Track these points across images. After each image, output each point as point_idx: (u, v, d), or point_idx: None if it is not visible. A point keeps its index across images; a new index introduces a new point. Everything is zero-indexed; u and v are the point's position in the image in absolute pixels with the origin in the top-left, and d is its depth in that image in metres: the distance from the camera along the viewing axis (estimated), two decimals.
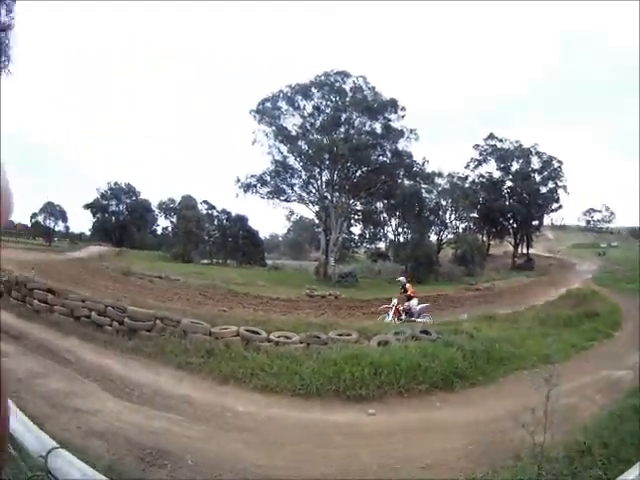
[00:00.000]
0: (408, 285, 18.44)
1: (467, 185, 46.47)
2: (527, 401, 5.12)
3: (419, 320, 15.78)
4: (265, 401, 8.45)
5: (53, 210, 67.90)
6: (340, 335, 10.96)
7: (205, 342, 10.49)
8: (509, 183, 47.84)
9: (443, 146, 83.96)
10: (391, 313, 16.93)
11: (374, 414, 7.88)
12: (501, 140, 47.67)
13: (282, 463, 5.89)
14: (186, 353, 10.20)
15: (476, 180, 47.38)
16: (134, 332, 11.25)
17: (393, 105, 41.73)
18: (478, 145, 47.89)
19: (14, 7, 10.16)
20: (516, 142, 47.32)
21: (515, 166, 47.44)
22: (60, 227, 70.55)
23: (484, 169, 47.81)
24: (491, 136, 47.72)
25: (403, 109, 41.90)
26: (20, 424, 1.16)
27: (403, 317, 16.65)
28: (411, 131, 41.80)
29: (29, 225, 66.86)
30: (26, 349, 10.16)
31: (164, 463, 5.50)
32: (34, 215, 68.73)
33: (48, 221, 68.67)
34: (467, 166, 47.49)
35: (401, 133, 41.74)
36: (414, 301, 17.34)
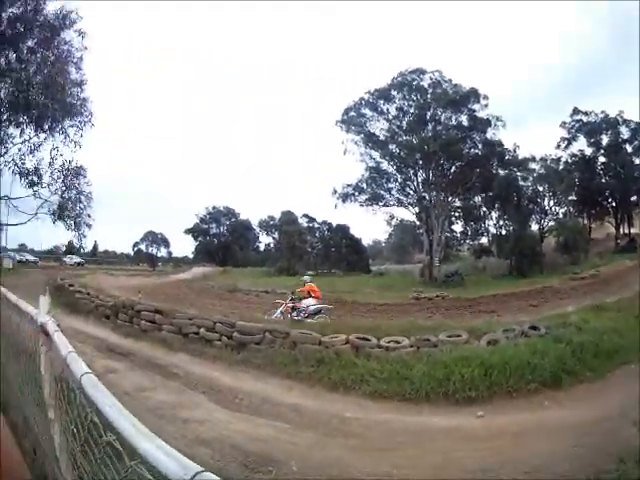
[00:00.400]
0: (309, 284, 17.88)
1: (561, 167, 43.80)
2: (635, 397, 4.61)
3: (313, 320, 15.38)
4: (373, 407, 8.33)
5: (154, 237, 72.90)
6: (450, 337, 10.57)
7: (315, 352, 10.49)
8: (602, 159, 44.58)
9: (529, 129, 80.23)
10: (280, 309, 16.85)
11: (482, 416, 7.55)
12: (586, 113, 44.54)
13: (387, 469, 5.74)
14: (296, 363, 10.27)
15: (569, 160, 44.55)
16: (243, 346, 11.50)
17: (475, 95, 40.73)
18: (565, 123, 45.19)
19: (82, 64, 10.96)
20: (602, 113, 43.99)
21: (605, 139, 44.02)
22: (163, 253, 75.76)
23: (575, 147, 45.04)
24: (575, 111, 44.78)
25: (485, 97, 40.87)
26: (157, 449, 1.14)
27: (294, 314, 16.56)
28: (497, 118, 40.58)
29: (132, 253, 72.42)
30: (134, 365, 10.78)
31: (268, 469, 5.56)
32: (136, 244, 74.42)
33: (150, 248, 73.92)
34: (558, 146, 44.92)
35: (488, 122, 40.63)
36: (309, 300, 16.96)
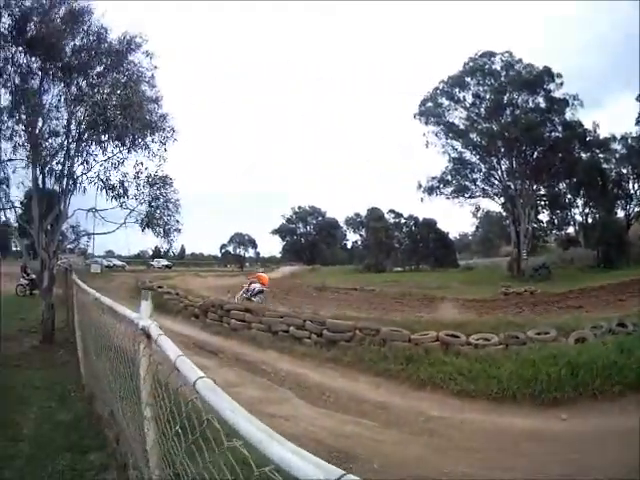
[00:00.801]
0: (260, 274, 21.90)
1: None
2: None
3: (255, 299, 18.46)
4: (460, 406, 8.33)
5: (241, 239, 75.42)
6: (538, 334, 10.37)
7: (404, 349, 10.57)
8: None
9: (605, 106, 74.37)
10: (242, 291, 19.55)
11: (565, 419, 7.35)
12: None
13: (467, 469, 5.77)
14: (385, 360, 10.38)
15: None
16: (333, 343, 11.74)
17: (549, 74, 38.70)
18: None
19: (156, 82, 11.64)
20: None
21: None
22: (250, 253, 78.16)
23: None
24: None
25: (559, 76, 38.75)
26: (292, 453, 1.08)
27: (245, 294, 19.21)
28: (574, 97, 38.46)
29: (219, 255, 75.10)
30: (222, 362, 11.25)
31: (349, 466, 5.59)
32: (223, 246, 77.23)
33: (238, 249, 76.47)
34: (637, 122, 40.56)
35: (565, 102, 38.53)
36: (256, 285, 19.55)
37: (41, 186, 12.13)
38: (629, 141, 40.42)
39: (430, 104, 42.54)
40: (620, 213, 41.10)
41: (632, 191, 40.43)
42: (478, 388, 8.64)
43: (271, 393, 8.97)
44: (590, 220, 42.47)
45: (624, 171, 40.38)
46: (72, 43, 11.77)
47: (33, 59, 11.62)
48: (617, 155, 40.10)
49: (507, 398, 8.21)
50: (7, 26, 11.28)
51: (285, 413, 7.64)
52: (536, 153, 39.41)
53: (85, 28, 11.83)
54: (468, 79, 41.15)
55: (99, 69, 12.15)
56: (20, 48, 11.46)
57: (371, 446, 6.40)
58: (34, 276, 15.68)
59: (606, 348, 8.91)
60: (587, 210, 42.98)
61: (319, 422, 7.40)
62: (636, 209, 40.46)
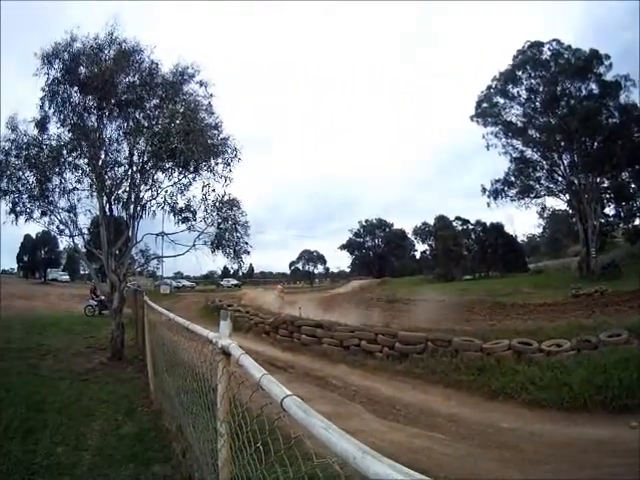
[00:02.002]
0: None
1: None
2: None
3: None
4: (530, 416, 8.26)
5: (310, 255, 76.30)
6: (610, 336, 10.15)
7: (476, 359, 10.64)
8: None
9: None
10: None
11: (636, 427, 7.12)
12: None
13: None
14: (457, 371, 10.46)
15: None
16: (405, 356, 11.88)
17: (597, 56, 37.03)
18: None
19: (213, 109, 12.19)
20: None
21: None
22: (320, 269, 78.82)
23: None
24: None
25: (607, 57, 37.07)
26: (392, 470, 1.07)
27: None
28: (626, 78, 36.46)
29: (289, 272, 76.06)
30: (291, 377, 11.41)
31: None
32: (292, 263, 78.27)
33: (307, 265, 77.31)
34: None
35: (618, 84, 36.60)
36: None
37: (108, 213, 12.92)
38: None
39: (486, 104, 41.69)
40: None
41: None
42: (549, 397, 8.58)
43: (341, 408, 9.01)
44: None
45: None
46: (125, 80, 12.56)
47: (89, 97, 12.48)
48: None
49: (578, 406, 8.11)
50: (59, 69, 12.21)
51: (354, 428, 7.45)
52: (596, 143, 37.69)
53: (137, 66, 12.60)
54: (520, 73, 40.03)
55: (155, 102, 12.88)
56: (75, 89, 12.36)
57: (440, 460, 6.41)
58: (103, 297, 16.70)
59: None
60: None
61: (388, 436, 7.40)
62: None
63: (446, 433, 7.72)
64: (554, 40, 39.02)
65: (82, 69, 12.17)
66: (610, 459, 6.27)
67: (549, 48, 39.07)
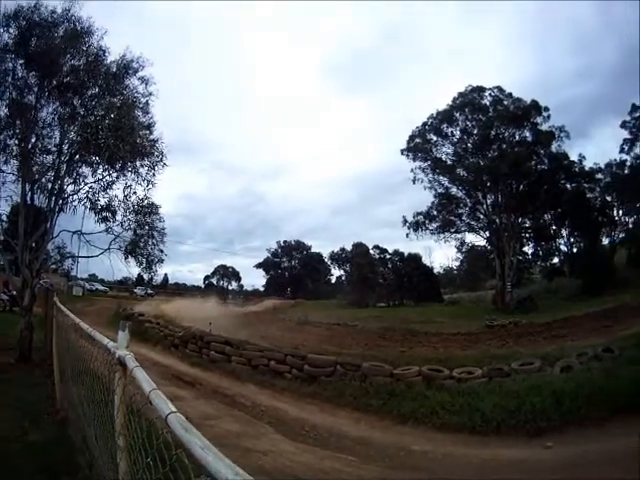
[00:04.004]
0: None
1: (626, 171, 40.64)
2: None
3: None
4: (442, 439, 8.17)
5: (225, 271, 75.56)
6: (522, 365, 10.38)
7: (386, 384, 10.58)
8: None
9: (591, 136, 76.16)
10: None
11: (551, 447, 7.16)
12: None
13: None
14: (366, 395, 10.36)
15: (634, 164, 40.79)
16: (314, 378, 11.71)
17: (536, 108, 39.21)
18: (625, 122, 41.42)
19: (149, 109, 11.67)
20: None
21: None
22: (234, 286, 78.18)
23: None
24: (635, 108, 40.66)
25: (546, 109, 39.32)
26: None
27: None
28: (560, 130, 38.82)
29: (202, 286, 74.93)
30: (199, 394, 11.04)
31: None
32: (207, 277, 77.20)
33: (221, 281, 76.49)
34: (622, 150, 41.38)
35: (552, 135, 38.89)
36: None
37: (29, 202, 11.99)
38: (614, 168, 41.12)
39: (418, 139, 42.77)
40: (605, 240, 41.62)
41: (616, 217, 41.06)
42: (461, 421, 8.55)
43: (249, 427, 8.82)
44: (575, 249, 42.80)
45: (608, 198, 40.87)
46: (71, 62, 11.81)
47: (32, 74, 11.63)
48: (601, 184, 40.55)
49: (491, 430, 8.09)
50: (13, 36, 11.33)
51: (263, 448, 7.46)
52: (521, 186, 39.69)
53: (85, 48, 11.88)
54: (457, 114, 41.60)
55: (94, 91, 12.16)
56: (21, 61, 11.49)
57: None
58: (15, 293, 15.37)
59: (592, 374, 8.92)
60: (572, 240, 43.35)
61: (297, 457, 7.24)
62: (621, 235, 41.11)
63: (356, 455, 7.51)
64: (496, 87, 41.02)
65: (33, 41, 11.33)
66: (523, 477, 6.33)
67: (490, 94, 40.96)
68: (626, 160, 41.27)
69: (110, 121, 11.35)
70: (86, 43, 11.92)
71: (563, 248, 44.59)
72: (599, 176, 40.82)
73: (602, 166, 41.02)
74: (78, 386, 4.80)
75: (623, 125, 41.47)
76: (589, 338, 16.04)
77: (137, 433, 2.36)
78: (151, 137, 12.76)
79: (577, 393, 8.15)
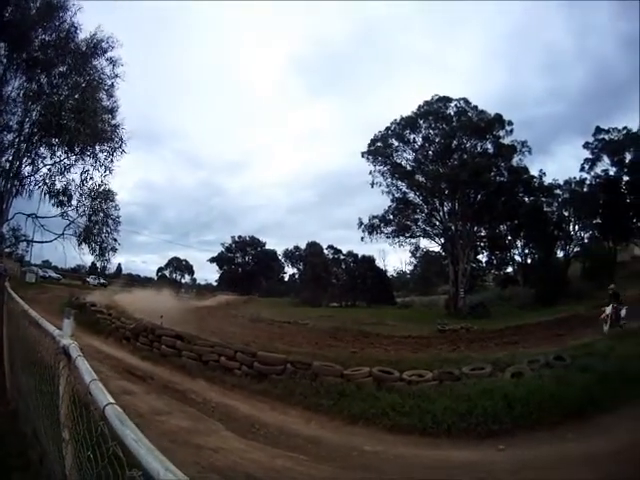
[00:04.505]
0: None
1: (585, 189, 42.02)
2: None
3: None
4: (393, 440, 8.18)
5: (179, 264, 74.53)
6: (473, 370, 10.50)
7: (337, 384, 10.54)
8: (626, 177, 41.35)
9: (553, 153, 79.02)
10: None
11: (503, 449, 7.26)
12: (608, 131, 42.18)
13: None
14: (317, 395, 10.29)
15: (593, 182, 42.30)
16: (264, 376, 11.55)
17: (499, 121, 40.43)
18: (588, 143, 42.94)
19: (115, 92, 11.40)
20: (624, 130, 41.50)
21: (628, 157, 41.19)
22: (187, 279, 77.19)
23: (599, 168, 42.52)
24: (598, 130, 42.40)
25: (510, 123, 40.60)
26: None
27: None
28: (523, 144, 40.21)
29: (155, 278, 73.72)
30: (150, 389, 10.76)
31: None
32: (160, 269, 75.99)
33: (174, 274, 75.42)
34: (582, 169, 42.73)
35: (513, 149, 40.23)
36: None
37: None
38: (572, 185, 42.18)
39: (380, 144, 43.26)
40: (559, 253, 42.80)
41: (572, 232, 42.14)
42: (412, 423, 8.57)
43: (200, 424, 8.67)
44: (529, 260, 44.03)
45: (565, 214, 42.12)
46: (42, 37, 11.35)
47: (2, 45, 11.12)
48: (560, 199, 41.94)
49: (442, 432, 8.12)
50: None
51: (214, 445, 7.37)
52: (480, 196, 40.63)
53: (57, 24, 11.44)
54: (421, 122, 42.21)
55: (62, 69, 11.73)
56: None
57: None
58: None
59: (543, 381, 9.07)
60: (527, 251, 44.51)
61: (249, 455, 7.17)
62: (576, 249, 42.18)
63: (308, 454, 7.45)
64: (462, 99, 41.96)
65: (8, 10, 10.80)
66: (480, 478, 6.33)
67: (456, 105, 41.85)
68: (586, 179, 42.51)
69: (74, 102, 11.00)
70: (60, 18, 11.50)
71: (517, 258, 45.85)
72: (557, 192, 42.24)
73: (561, 182, 42.41)
74: (27, 376, 4.68)
75: (586, 146, 42.86)
76: (541, 346, 16.50)
77: (79, 425, 2.31)
78: (113, 122, 12.48)
79: (528, 399, 8.27)
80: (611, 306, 17.33)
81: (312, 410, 9.86)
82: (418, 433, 8.28)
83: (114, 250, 12.56)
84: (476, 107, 41.56)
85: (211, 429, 8.39)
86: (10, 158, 11.46)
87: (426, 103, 42.46)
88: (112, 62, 12.18)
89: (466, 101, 41.77)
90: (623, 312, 17.06)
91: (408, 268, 67.11)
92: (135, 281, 71.02)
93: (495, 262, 46.60)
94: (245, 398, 10.67)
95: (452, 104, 41.88)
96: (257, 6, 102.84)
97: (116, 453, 1.58)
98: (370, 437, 8.42)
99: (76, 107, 10.76)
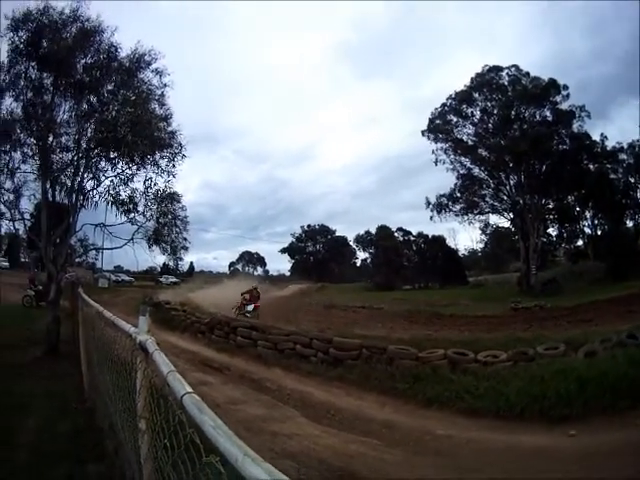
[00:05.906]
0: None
1: None
2: None
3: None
4: (466, 424, 8.14)
5: (250, 257, 75.94)
6: (547, 349, 10.22)
7: (412, 367, 10.56)
8: None
9: (611, 117, 73.74)
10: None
11: (574, 435, 7.07)
12: None
13: None
14: (392, 379, 10.34)
15: None
16: (340, 362, 11.73)
17: (554, 86, 38.57)
18: None
19: (166, 100, 11.84)
20: None
21: None
22: (259, 271, 78.69)
23: None
24: None
25: (565, 87, 38.72)
26: (267, 474, 1.12)
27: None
28: (581, 109, 38.22)
29: (228, 272, 75.51)
30: (227, 379, 11.21)
31: None
32: (232, 264, 77.69)
33: (247, 267, 77.00)
34: None
35: (572, 114, 38.29)
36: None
37: (51, 199, 12.26)
38: (636, 149, 39.82)
39: (439, 121, 42.40)
40: (629, 223, 40.82)
41: None
42: (485, 406, 8.50)
43: (275, 411, 8.85)
44: (599, 232, 41.94)
45: (632, 180, 39.89)
46: (83, 61, 11.98)
47: (45, 74, 11.84)
48: (624, 165, 39.56)
49: (514, 415, 8.02)
50: (23, 40, 11.53)
51: (288, 431, 7.52)
52: (544, 167, 39.09)
53: (96, 46, 12.04)
54: (476, 94, 41.13)
55: (110, 87, 12.33)
56: (33, 63, 11.70)
57: (375, 465, 6.27)
58: (41, 287, 15.72)
59: (615, 361, 8.69)
60: (596, 222, 42.46)
61: (323, 441, 7.26)
62: None
63: (381, 439, 7.55)
64: (513, 66, 40.42)
65: (44, 43, 11.52)
66: (545, 465, 6.23)
67: (507, 73, 40.38)
68: None
69: (127, 116, 11.51)
70: (97, 42, 12.04)
71: (587, 230, 43.79)
72: (622, 156, 39.84)
73: (625, 146, 39.93)
74: (104, 374, 4.88)
75: None
76: (614, 323, 15.78)
77: (156, 416, 2.40)
78: (169, 129, 12.90)
79: (601, 380, 7.96)
80: None
81: (387, 394, 9.92)
82: (491, 416, 8.22)
83: (185, 248, 13.06)
84: (528, 73, 39.99)
85: (286, 415, 8.60)
86: (71, 175, 12.14)
87: (478, 75, 41.17)
88: (158, 73, 12.51)
89: (517, 68, 40.25)
90: None
91: (479, 246, 65.71)
92: (207, 277, 73.36)
93: (565, 235, 44.61)
94: (320, 384, 10.85)
95: (504, 73, 40.42)
96: None
97: (193, 440, 1.63)
98: (443, 420, 8.43)
99: (130, 120, 11.22)
